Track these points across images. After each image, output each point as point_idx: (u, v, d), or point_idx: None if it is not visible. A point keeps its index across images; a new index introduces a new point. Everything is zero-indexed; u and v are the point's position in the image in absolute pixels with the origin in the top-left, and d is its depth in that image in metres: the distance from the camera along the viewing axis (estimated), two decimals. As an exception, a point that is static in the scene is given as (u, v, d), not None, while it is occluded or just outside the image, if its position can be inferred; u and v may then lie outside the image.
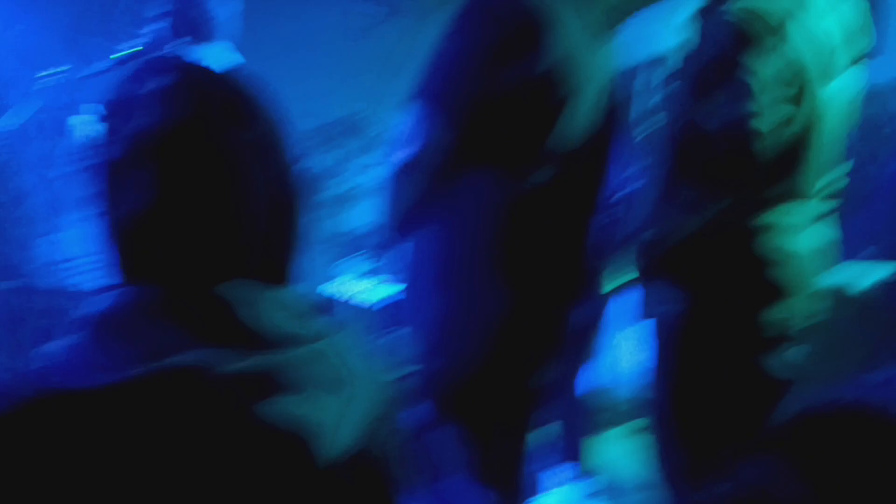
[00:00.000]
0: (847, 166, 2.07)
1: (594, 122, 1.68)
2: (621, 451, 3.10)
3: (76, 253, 3.15)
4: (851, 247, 2.80)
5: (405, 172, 1.60)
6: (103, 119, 0.84)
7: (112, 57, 3.05)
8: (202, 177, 0.80)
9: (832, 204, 2.04)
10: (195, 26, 3.04)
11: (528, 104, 1.57)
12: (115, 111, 0.83)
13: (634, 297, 2.73)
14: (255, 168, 0.83)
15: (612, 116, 1.78)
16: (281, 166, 0.87)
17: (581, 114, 1.64)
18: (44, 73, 3.33)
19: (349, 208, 6.03)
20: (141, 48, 3.05)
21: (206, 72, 0.86)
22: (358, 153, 6.42)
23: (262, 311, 0.79)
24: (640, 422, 4.30)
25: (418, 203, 1.63)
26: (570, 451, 2.94)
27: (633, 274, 2.04)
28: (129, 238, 0.81)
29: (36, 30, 4.84)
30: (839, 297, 2.93)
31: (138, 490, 0.70)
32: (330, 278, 4.81)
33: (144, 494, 0.71)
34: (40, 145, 4.97)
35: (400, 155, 1.59)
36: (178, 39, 3.03)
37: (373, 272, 4.56)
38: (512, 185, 1.61)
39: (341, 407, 0.82)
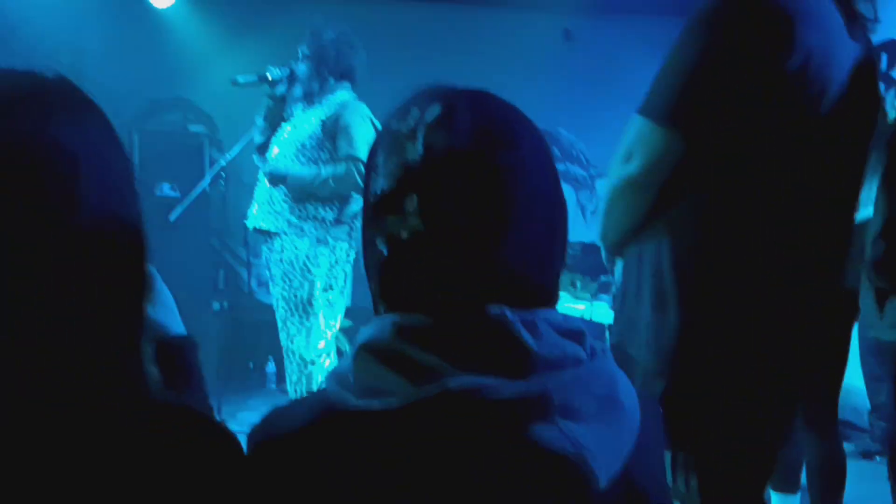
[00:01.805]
0: None
1: (847, 124, 1.53)
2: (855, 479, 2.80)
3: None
4: None
5: (627, 189, 1.53)
6: (372, 152, 0.85)
7: (238, 80, 3.31)
8: (471, 200, 0.78)
9: None
10: (334, 68, 3.30)
11: (771, 107, 1.44)
12: (383, 144, 0.83)
13: (868, 315, 2.47)
14: (522, 187, 0.80)
15: (868, 115, 1.58)
16: (547, 183, 0.84)
17: (833, 114, 1.50)
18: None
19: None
20: (282, 75, 3.34)
21: (469, 97, 0.84)
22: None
23: (534, 331, 0.77)
24: (872, 447, 3.92)
25: (640, 219, 1.56)
26: (790, 479, 2.73)
27: (872, 287, 1.81)
28: (398, 264, 0.80)
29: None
30: None
31: None
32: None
33: None
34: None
35: (622, 171, 1.52)
36: (317, 78, 3.30)
37: (584, 290, 4.41)
38: (751, 197, 1.49)
39: (614, 430, 0.80)
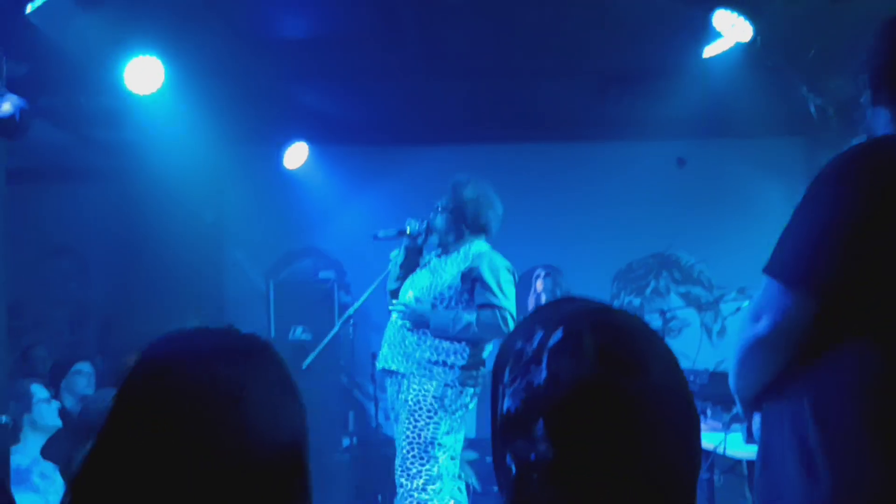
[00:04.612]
0: None
1: None
2: None
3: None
4: None
5: (757, 348, 1.48)
6: (499, 366, 0.87)
7: (379, 235, 3.54)
8: (599, 427, 0.79)
9: None
10: (466, 222, 3.41)
11: None
12: (509, 362, 0.85)
13: None
14: (653, 412, 0.80)
15: None
16: (679, 402, 0.83)
17: None
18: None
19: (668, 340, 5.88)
20: (420, 229, 3.50)
21: (594, 319, 0.84)
22: (674, 284, 6.33)
23: None
24: None
25: (774, 376, 1.50)
26: None
27: None
28: (528, 485, 0.81)
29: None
30: None
31: None
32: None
33: None
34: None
35: (752, 330, 1.48)
36: (454, 231, 3.42)
37: (714, 419, 4.20)
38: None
39: None
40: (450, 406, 3.27)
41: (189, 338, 0.95)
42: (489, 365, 3.25)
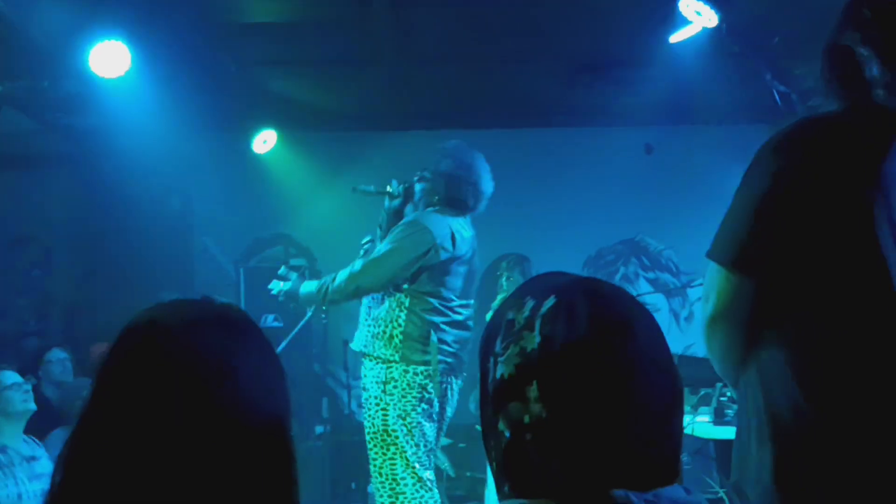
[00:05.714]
0: None
1: None
2: None
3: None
4: None
5: (711, 328, 1.53)
6: (490, 337, 0.89)
7: (358, 188, 3.42)
8: (590, 389, 0.82)
9: None
10: (438, 195, 3.27)
11: (851, 232, 1.40)
12: (501, 331, 0.88)
13: None
14: (640, 373, 0.84)
15: None
16: (662, 365, 0.87)
17: None
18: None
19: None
20: (400, 191, 3.35)
21: (582, 288, 0.87)
22: (643, 270, 6.41)
23: None
24: None
25: (738, 353, 1.54)
26: None
27: None
28: (521, 448, 0.83)
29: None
30: None
31: None
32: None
33: None
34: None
35: (703, 311, 1.53)
36: (425, 201, 3.28)
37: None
38: (841, 326, 1.43)
39: None
40: (394, 389, 3.07)
41: (171, 308, 0.95)
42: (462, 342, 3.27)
